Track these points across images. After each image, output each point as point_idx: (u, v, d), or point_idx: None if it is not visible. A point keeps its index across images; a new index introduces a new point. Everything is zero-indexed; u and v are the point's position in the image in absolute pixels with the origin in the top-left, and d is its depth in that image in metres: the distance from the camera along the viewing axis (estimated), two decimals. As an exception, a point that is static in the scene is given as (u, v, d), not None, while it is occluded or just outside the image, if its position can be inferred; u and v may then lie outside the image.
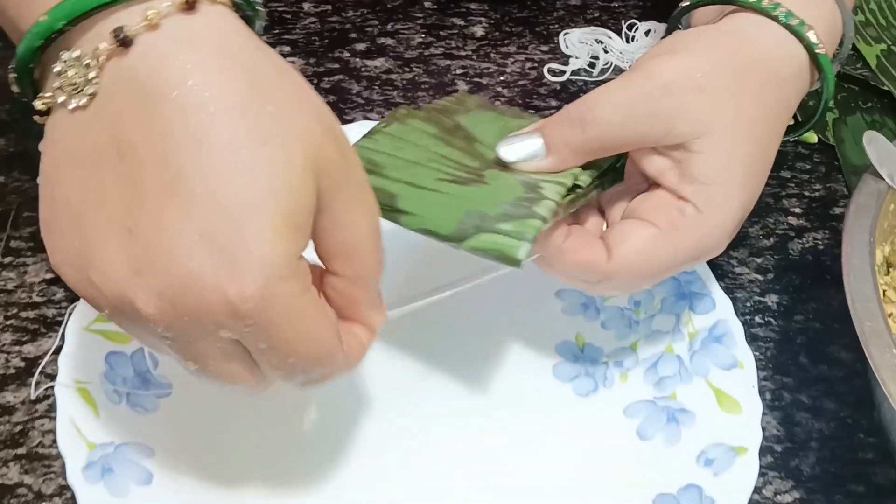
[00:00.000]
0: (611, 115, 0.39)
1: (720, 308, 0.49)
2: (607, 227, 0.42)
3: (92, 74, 0.31)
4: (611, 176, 0.43)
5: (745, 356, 0.47)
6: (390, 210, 0.39)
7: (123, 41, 0.30)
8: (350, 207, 0.33)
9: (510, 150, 0.41)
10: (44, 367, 0.47)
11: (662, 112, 0.39)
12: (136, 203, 0.30)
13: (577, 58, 0.64)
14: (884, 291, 0.46)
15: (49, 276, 0.50)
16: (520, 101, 0.61)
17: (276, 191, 0.30)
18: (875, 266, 0.40)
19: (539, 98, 0.61)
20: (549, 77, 0.63)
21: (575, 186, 0.40)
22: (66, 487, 0.43)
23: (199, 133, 0.29)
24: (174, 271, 0.29)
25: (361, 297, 0.35)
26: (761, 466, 0.44)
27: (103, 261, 0.30)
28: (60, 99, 0.31)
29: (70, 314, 0.45)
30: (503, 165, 0.41)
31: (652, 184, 0.41)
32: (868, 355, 0.38)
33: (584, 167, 0.41)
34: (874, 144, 0.44)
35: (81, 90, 0.31)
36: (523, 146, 0.41)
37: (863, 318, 0.38)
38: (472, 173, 0.41)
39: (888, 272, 0.48)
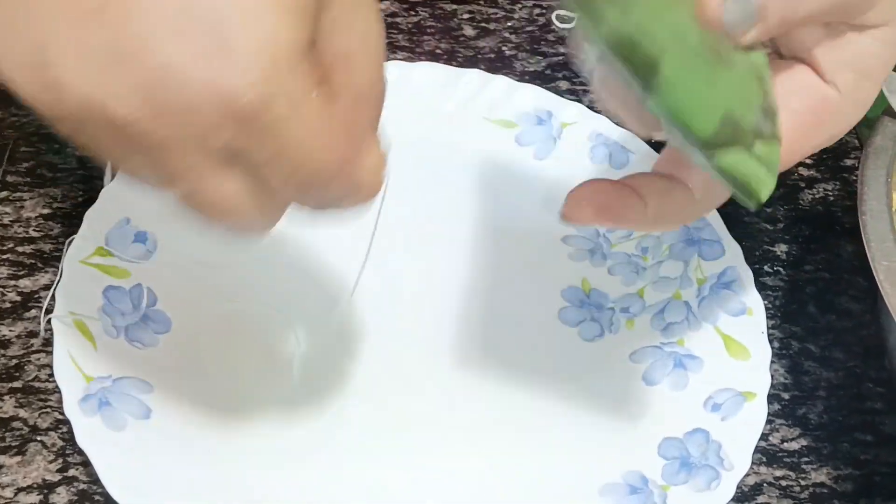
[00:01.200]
0: None
1: (729, 254, 0.48)
2: None
3: None
4: None
5: (755, 302, 0.46)
6: (644, 65, 0.28)
7: None
8: (351, 8, 0.27)
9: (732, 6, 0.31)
10: (40, 302, 0.46)
11: None
12: None
13: (586, 5, 0.62)
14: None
15: (46, 210, 0.49)
16: (528, 48, 0.60)
17: None
18: (891, 206, 0.40)
19: (547, 45, 0.60)
20: (557, 24, 0.61)
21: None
22: (62, 421, 0.42)
23: None
24: (150, 61, 0.24)
25: (364, 121, 0.28)
26: (768, 414, 0.43)
27: (63, 55, 0.24)
28: None
29: (68, 246, 0.44)
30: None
31: (794, 56, 0.35)
32: (884, 294, 0.37)
33: None
34: (893, 86, 0.43)
35: None
36: (741, 5, 0.31)
37: (879, 257, 0.38)
38: (716, 41, 0.30)
39: (901, 219, 0.47)
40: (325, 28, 0.27)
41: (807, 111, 0.34)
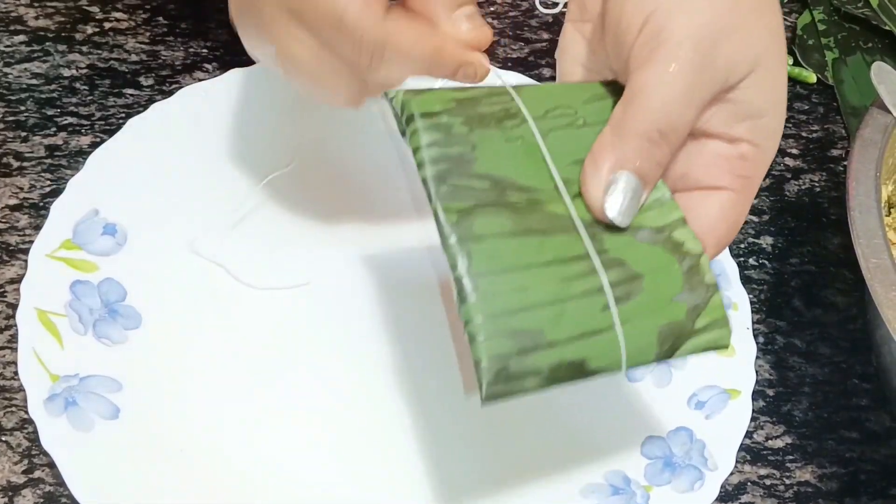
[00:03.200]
0: (685, 113, 0.34)
1: (715, 248, 0.47)
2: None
3: None
4: None
5: (740, 297, 0.46)
6: (580, 374, 0.32)
7: None
8: None
9: (618, 210, 0.33)
10: (6, 297, 0.44)
11: (719, 73, 0.34)
12: None
13: (570, -10, 0.61)
14: (884, 233, 0.45)
15: (12, 202, 0.48)
16: (510, 34, 0.58)
17: None
18: (881, 201, 0.39)
19: (530, 30, 0.59)
20: (541, 9, 0.60)
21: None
22: (28, 421, 0.41)
23: None
24: None
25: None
26: (753, 411, 0.43)
27: None
28: None
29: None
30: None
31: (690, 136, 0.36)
32: (872, 292, 0.36)
33: None
34: (882, 76, 0.42)
35: None
36: (623, 195, 0.33)
37: (868, 254, 0.37)
38: (609, 259, 0.33)
39: (889, 213, 0.46)
40: None
41: (733, 179, 0.35)
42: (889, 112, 0.42)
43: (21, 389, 0.41)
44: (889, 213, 0.46)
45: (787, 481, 0.43)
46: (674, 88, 0.33)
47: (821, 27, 0.61)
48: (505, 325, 0.30)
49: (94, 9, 0.55)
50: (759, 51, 0.35)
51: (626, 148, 0.34)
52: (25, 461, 0.40)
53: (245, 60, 0.43)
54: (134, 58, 0.53)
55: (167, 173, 0.46)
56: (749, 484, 0.43)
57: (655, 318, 0.33)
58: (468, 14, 0.37)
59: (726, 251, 0.47)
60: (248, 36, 0.38)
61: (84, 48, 0.53)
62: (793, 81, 0.59)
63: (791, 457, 0.44)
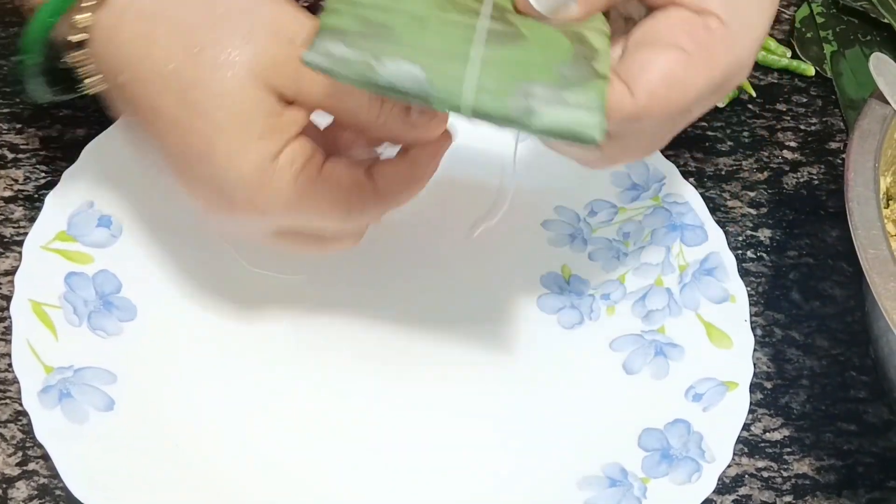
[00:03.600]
0: None
1: (712, 240, 0.47)
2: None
3: None
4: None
5: (738, 289, 0.45)
6: (420, 97, 0.30)
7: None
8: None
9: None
10: (0, 288, 0.44)
11: None
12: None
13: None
14: (882, 226, 0.45)
15: (6, 194, 0.47)
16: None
17: (222, 120, 0.35)
18: (879, 192, 0.39)
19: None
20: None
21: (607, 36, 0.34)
22: (22, 413, 0.41)
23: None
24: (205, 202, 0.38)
25: (393, 129, 0.37)
26: (750, 403, 0.42)
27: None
28: None
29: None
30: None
31: (658, 7, 0.35)
32: (870, 283, 0.36)
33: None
34: (881, 67, 0.42)
35: None
36: None
37: (866, 245, 0.37)
38: (504, 22, 0.32)
39: (888, 205, 0.46)
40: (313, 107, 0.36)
41: (693, 44, 0.34)
42: (888, 103, 0.42)
43: (15, 381, 0.40)
44: (888, 205, 0.46)
45: (785, 474, 0.43)
46: None
47: (819, 20, 0.61)
48: (360, 12, 0.31)
49: (90, 0, 0.55)
50: None
51: None
52: (19, 453, 0.40)
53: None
54: (129, 49, 0.53)
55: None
56: (747, 476, 0.43)
57: (521, 72, 0.31)
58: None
59: (724, 242, 0.47)
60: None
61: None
62: (791, 74, 0.58)
63: (789, 449, 0.44)
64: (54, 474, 0.39)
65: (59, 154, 0.49)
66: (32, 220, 0.45)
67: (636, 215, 0.48)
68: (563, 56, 0.32)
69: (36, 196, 0.47)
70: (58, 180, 0.44)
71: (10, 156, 0.49)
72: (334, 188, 0.37)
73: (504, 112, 0.30)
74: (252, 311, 0.44)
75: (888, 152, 0.42)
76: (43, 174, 0.48)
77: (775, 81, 0.58)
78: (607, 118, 0.32)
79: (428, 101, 0.30)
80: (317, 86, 0.35)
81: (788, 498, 0.43)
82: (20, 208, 0.47)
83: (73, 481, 0.37)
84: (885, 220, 0.44)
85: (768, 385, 0.46)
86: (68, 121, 0.50)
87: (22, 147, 0.49)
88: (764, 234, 0.51)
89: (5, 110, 0.50)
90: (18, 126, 0.50)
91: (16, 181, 0.48)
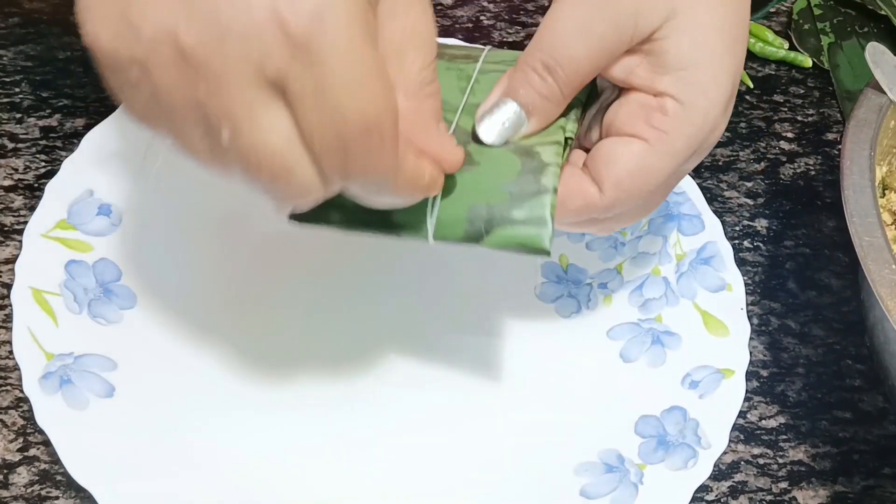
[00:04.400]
0: (574, 46, 0.34)
1: (709, 229, 0.47)
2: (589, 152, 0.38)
3: None
4: (590, 96, 0.39)
5: (734, 278, 0.46)
6: (385, 228, 0.33)
7: None
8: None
9: (491, 131, 0.35)
10: (0, 276, 0.44)
11: (622, 14, 0.34)
12: None
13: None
14: (878, 215, 0.45)
15: (6, 183, 0.48)
16: (506, 17, 0.58)
17: None
18: (875, 181, 0.39)
19: (526, 14, 0.59)
20: (536, -7, 0.60)
21: (566, 139, 0.36)
22: (23, 399, 0.41)
23: None
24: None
25: (430, 114, 0.31)
26: (747, 391, 0.43)
27: None
28: None
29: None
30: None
31: (622, 89, 0.36)
32: (866, 271, 0.36)
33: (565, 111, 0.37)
34: (877, 57, 0.42)
35: None
36: (501, 120, 0.35)
37: (861, 232, 0.37)
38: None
39: (883, 194, 0.46)
40: (385, 15, 0.30)
41: (652, 132, 0.35)
42: (884, 93, 0.42)
43: (15, 368, 0.41)
44: (883, 195, 0.46)
45: (781, 460, 0.44)
46: (565, 23, 0.34)
47: (816, 12, 0.61)
48: None
49: (89, -9, 0.55)
50: None
51: (514, 77, 0.35)
52: (20, 439, 0.40)
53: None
54: (129, 40, 0.53)
55: (161, 155, 0.46)
56: (742, 463, 0.43)
57: (472, 197, 0.34)
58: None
59: (721, 232, 0.47)
60: (185, 129, 0.29)
61: (79, 31, 0.53)
62: (788, 66, 0.59)
63: (784, 436, 0.44)
64: (55, 460, 0.39)
65: (58, 144, 0.49)
66: (32, 208, 0.45)
67: (633, 205, 0.49)
68: (511, 176, 0.34)
69: (36, 185, 0.47)
70: (57, 170, 0.45)
71: (10, 145, 0.49)
72: (388, 86, 0.28)
73: (460, 237, 0.34)
74: (251, 300, 0.44)
75: (884, 142, 0.43)
76: (43, 163, 0.48)
77: (773, 73, 0.58)
78: (582, 214, 0.35)
79: (397, 236, 0.34)
80: None
81: (784, 484, 0.43)
82: (20, 197, 0.47)
83: (73, 466, 0.37)
84: (882, 210, 0.45)
85: (764, 373, 0.46)
86: (68, 111, 0.50)
87: (21, 137, 0.49)
88: (761, 224, 0.52)
89: (4, 100, 0.50)
90: (18, 116, 0.50)
91: (16, 170, 0.48)
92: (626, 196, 0.35)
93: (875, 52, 0.43)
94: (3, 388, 0.41)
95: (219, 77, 0.27)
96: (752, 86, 0.57)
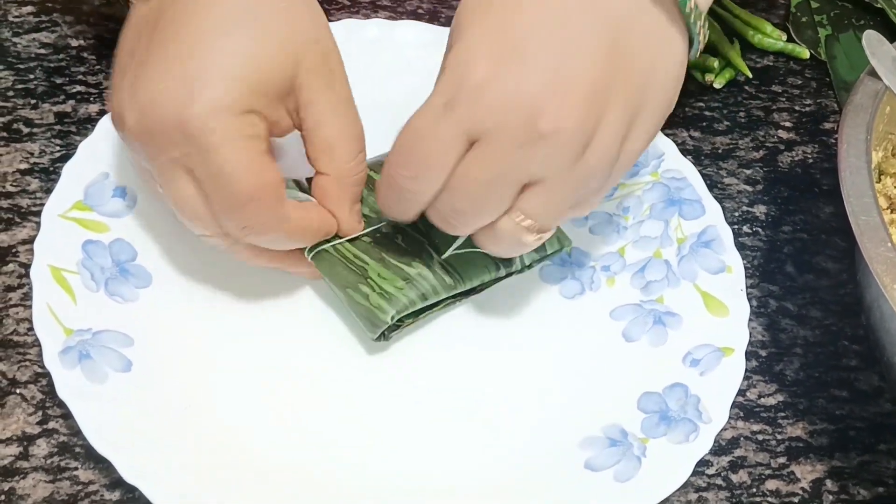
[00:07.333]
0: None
1: (710, 213, 0.48)
2: None
3: None
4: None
5: (734, 260, 0.47)
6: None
7: None
8: (332, 109, 0.39)
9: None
10: (18, 256, 0.45)
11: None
12: (148, 49, 0.38)
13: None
14: (874, 200, 0.46)
15: (23, 166, 0.48)
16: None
17: (246, 54, 0.37)
18: (871, 164, 0.40)
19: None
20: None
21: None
22: (42, 374, 0.42)
23: (204, 7, 0.38)
24: (150, 91, 0.37)
25: (336, 193, 0.41)
26: (746, 370, 0.44)
27: (120, 87, 0.39)
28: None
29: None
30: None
31: None
32: (862, 248, 0.37)
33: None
34: (874, 45, 0.43)
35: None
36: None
37: (858, 212, 0.38)
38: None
39: (879, 179, 0.47)
40: (310, 126, 0.39)
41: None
42: (880, 79, 0.44)
43: (34, 345, 0.42)
44: (879, 180, 0.47)
45: (779, 437, 0.45)
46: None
47: (814, 4, 0.62)
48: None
49: (102, -20, 0.56)
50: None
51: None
52: (40, 412, 0.41)
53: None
54: (141, 28, 0.54)
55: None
56: (742, 439, 0.44)
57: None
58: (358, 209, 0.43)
59: (721, 216, 0.48)
60: (139, 158, 0.39)
61: (91, 19, 0.54)
62: (786, 57, 0.60)
63: (783, 414, 0.46)
64: (73, 432, 0.40)
65: (72, 129, 0.50)
66: (48, 191, 0.46)
67: (636, 190, 0.50)
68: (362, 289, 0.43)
69: (51, 168, 0.48)
70: (72, 154, 0.46)
71: (26, 130, 0.50)
72: (266, 173, 0.38)
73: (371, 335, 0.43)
74: (264, 277, 0.45)
75: (879, 127, 0.44)
76: (58, 147, 0.49)
77: (771, 64, 0.59)
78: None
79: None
80: None
81: (782, 459, 0.44)
82: (36, 180, 0.48)
83: (94, 437, 0.38)
84: (878, 195, 0.46)
85: (763, 353, 0.47)
86: (81, 97, 0.51)
87: (37, 122, 0.50)
88: (759, 210, 0.53)
89: (20, 86, 0.51)
90: (33, 102, 0.51)
91: (31, 154, 0.49)
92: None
93: (872, 41, 0.44)
94: (23, 363, 0.42)
95: (148, 152, 0.38)
96: (750, 76, 0.58)
